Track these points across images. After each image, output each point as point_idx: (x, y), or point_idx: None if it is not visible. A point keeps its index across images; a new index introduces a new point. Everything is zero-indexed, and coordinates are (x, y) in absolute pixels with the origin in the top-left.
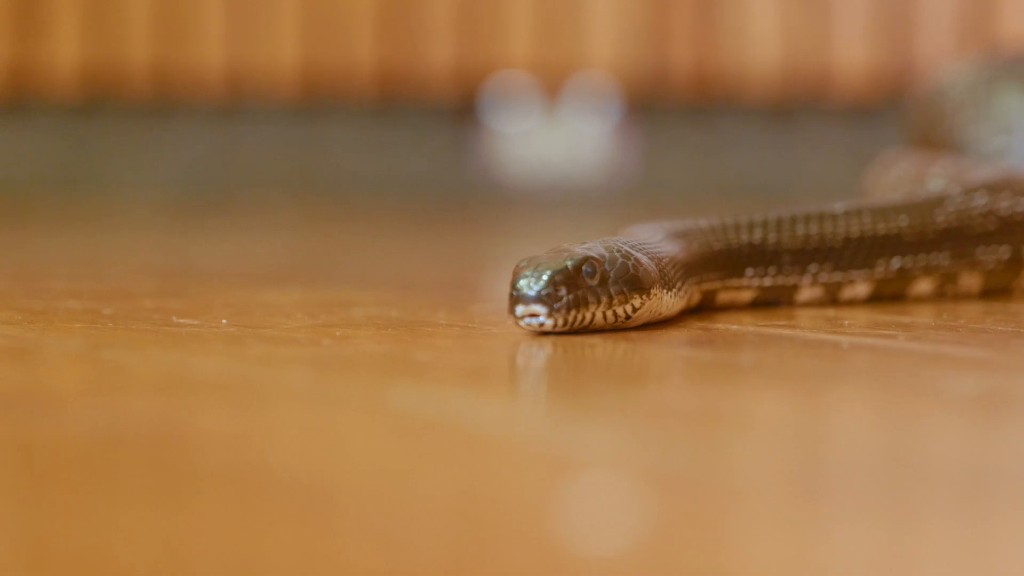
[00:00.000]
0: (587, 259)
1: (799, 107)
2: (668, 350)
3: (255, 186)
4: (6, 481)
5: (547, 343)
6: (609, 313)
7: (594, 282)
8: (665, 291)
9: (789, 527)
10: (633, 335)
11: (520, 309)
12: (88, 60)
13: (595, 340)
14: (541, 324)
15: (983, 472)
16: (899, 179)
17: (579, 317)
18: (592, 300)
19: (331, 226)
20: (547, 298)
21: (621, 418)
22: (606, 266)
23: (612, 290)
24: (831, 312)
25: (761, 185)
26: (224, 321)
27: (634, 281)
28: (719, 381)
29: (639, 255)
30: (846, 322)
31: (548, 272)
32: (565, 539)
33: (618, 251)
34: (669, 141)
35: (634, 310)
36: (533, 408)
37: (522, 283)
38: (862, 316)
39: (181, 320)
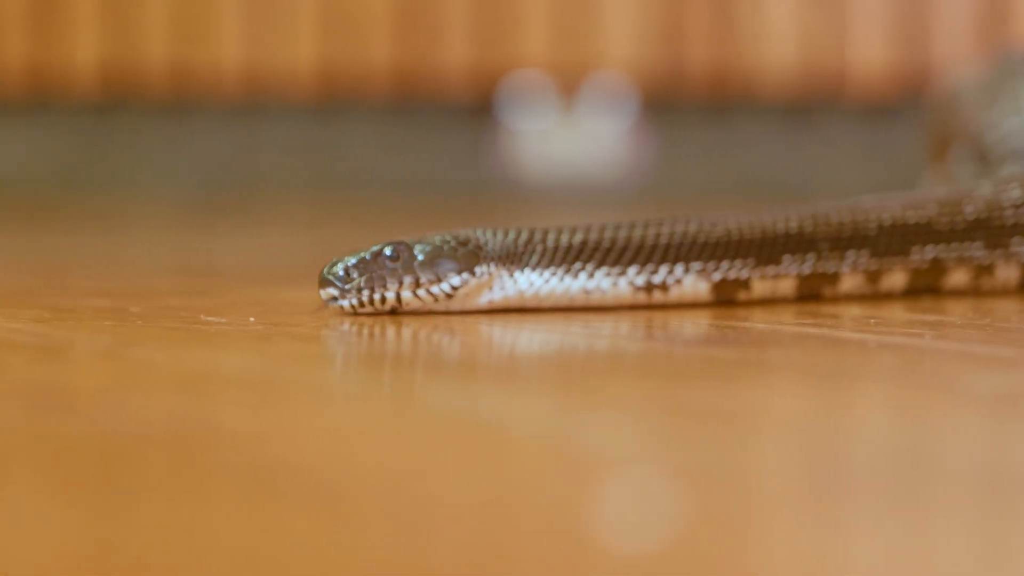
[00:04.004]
0: (391, 244)
1: (815, 106)
2: (693, 348)
3: (273, 185)
4: (34, 478)
5: (575, 339)
6: (422, 292)
7: (396, 264)
8: (515, 270)
9: (811, 525)
10: (657, 331)
11: (322, 293)
12: (107, 59)
13: (617, 336)
14: (342, 306)
15: (1002, 471)
16: None
17: (376, 296)
18: (392, 281)
19: (349, 225)
20: (341, 281)
21: (646, 415)
22: (415, 250)
23: (420, 271)
24: (858, 310)
25: (776, 184)
26: (252, 319)
27: (448, 262)
28: (743, 379)
29: (473, 237)
30: (872, 320)
31: (346, 259)
32: (590, 536)
33: (440, 236)
34: (685, 140)
35: (454, 288)
36: (559, 405)
37: (324, 270)
38: (890, 314)
39: (209, 318)
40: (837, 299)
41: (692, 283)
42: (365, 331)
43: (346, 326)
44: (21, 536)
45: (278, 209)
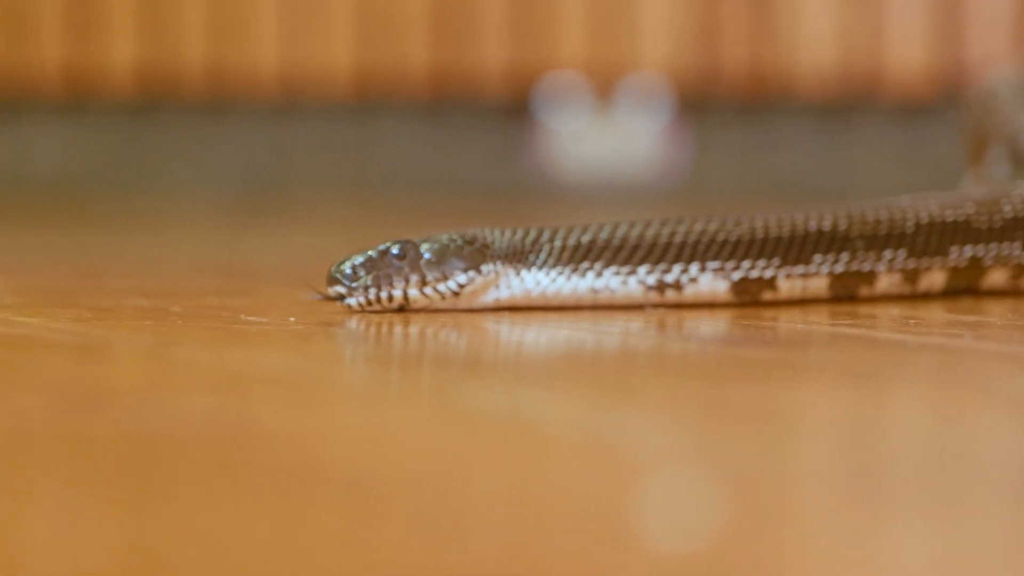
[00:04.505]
0: (398, 243)
1: (852, 106)
2: (729, 348)
3: (309, 185)
4: (74, 476)
5: (604, 339)
6: (429, 290)
7: (403, 263)
8: (522, 269)
9: (849, 526)
10: (689, 331)
11: (330, 291)
12: (144, 60)
13: (649, 336)
14: (349, 304)
15: None
16: None
17: (383, 294)
18: (399, 279)
19: (386, 225)
20: (349, 279)
21: (682, 415)
22: (422, 249)
23: (426, 269)
24: (897, 311)
25: (813, 184)
26: (292, 319)
27: (455, 261)
28: (780, 379)
29: (480, 236)
30: (912, 321)
31: (354, 257)
32: (626, 536)
33: (448, 235)
34: (720, 140)
35: (460, 286)
36: (596, 405)
37: (333, 268)
38: (930, 315)
39: (249, 318)
40: (874, 299)
41: (709, 282)
42: (403, 332)
43: (386, 327)
44: (60, 534)
45: (314, 209)
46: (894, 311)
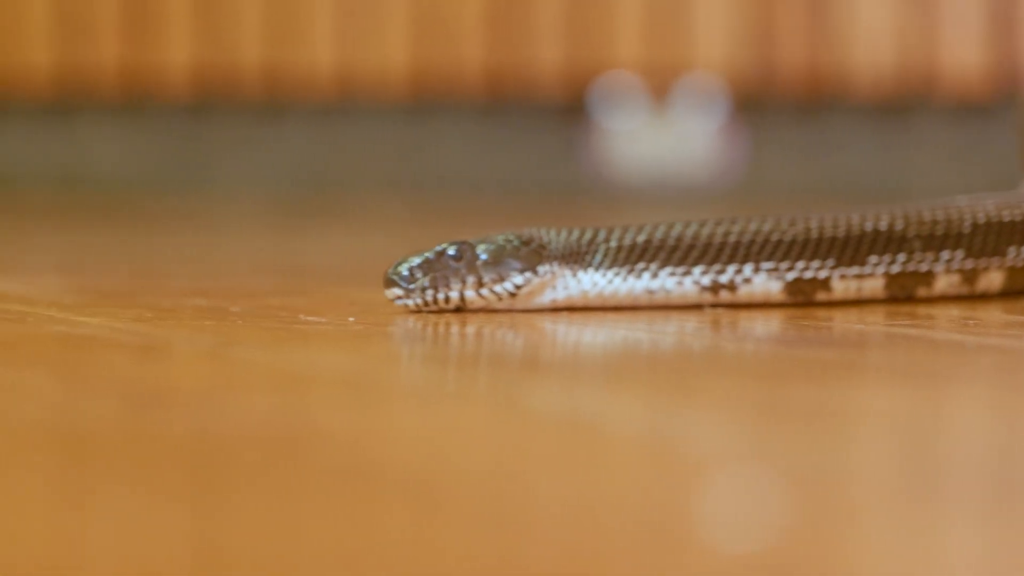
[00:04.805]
0: (454, 244)
1: (908, 106)
2: (788, 348)
3: (364, 185)
4: (135, 475)
5: (663, 339)
6: (485, 291)
7: (459, 264)
8: (579, 270)
9: (908, 526)
10: (747, 331)
11: (386, 292)
12: (200, 62)
13: (705, 336)
14: (406, 304)
15: None
16: None
17: (440, 296)
18: (455, 280)
19: (442, 225)
20: (406, 280)
21: (743, 416)
22: (479, 250)
23: (483, 270)
24: (956, 311)
25: (869, 184)
26: (352, 319)
27: (511, 262)
28: (840, 379)
29: (536, 237)
30: (971, 322)
31: (410, 259)
32: (688, 535)
33: (504, 236)
34: (776, 140)
35: (517, 287)
36: (656, 405)
37: (390, 270)
38: (988, 316)
39: (309, 318)
40: (932, 299)
41: (763, 282)
42: (460, 332)
43: (443, 327)
44: (121, 532)
45: (371, 209)
46: (952, 311)
